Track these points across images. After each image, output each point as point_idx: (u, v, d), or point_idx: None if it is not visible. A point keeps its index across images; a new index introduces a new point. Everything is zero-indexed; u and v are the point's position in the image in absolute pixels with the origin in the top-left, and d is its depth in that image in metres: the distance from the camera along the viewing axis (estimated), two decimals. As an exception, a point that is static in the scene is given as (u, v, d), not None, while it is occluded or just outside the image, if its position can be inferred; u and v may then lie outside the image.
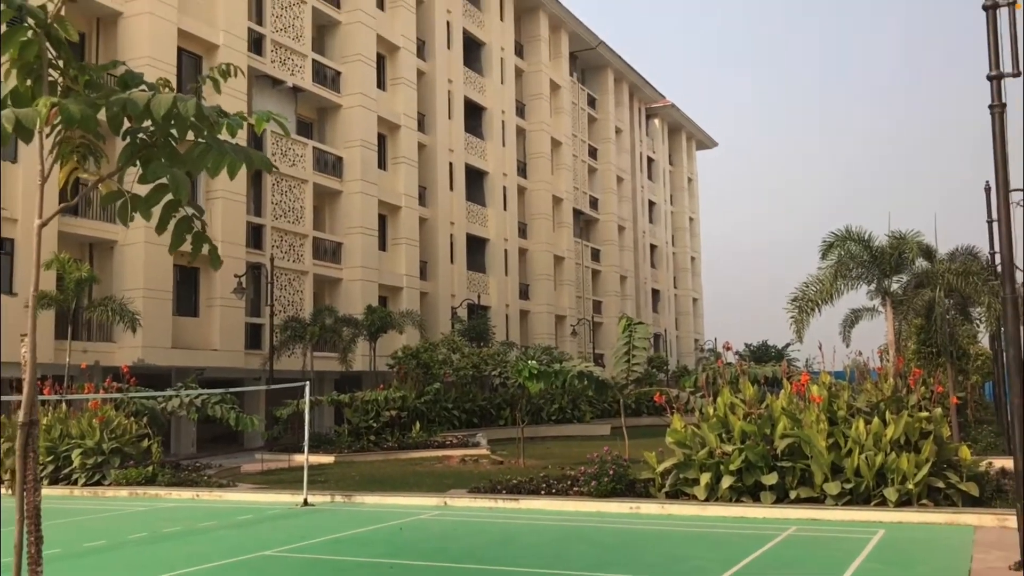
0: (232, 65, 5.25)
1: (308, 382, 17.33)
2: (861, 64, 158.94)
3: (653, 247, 64.72)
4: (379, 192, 35.66)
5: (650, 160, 65.37)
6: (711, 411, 13.77)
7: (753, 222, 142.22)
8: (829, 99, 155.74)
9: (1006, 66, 8.71)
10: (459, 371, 29.88)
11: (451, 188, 41.34)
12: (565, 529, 11.98)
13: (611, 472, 13.95)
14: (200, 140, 4.77)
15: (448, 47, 42.02)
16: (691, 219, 72.09)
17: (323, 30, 35.56)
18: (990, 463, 13.65)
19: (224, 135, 4.82)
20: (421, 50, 40.35)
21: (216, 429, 25.80)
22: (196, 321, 28.36)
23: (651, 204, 64.91)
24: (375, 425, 24.79)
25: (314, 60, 33.56)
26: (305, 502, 15.01)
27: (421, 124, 39.95)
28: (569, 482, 14.61)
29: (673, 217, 69.24)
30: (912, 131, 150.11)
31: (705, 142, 74.97)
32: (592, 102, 57.56)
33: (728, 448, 13.04)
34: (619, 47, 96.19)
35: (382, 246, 36.46)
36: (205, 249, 5.16)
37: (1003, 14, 8.64)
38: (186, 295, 28.50)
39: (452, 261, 40.88)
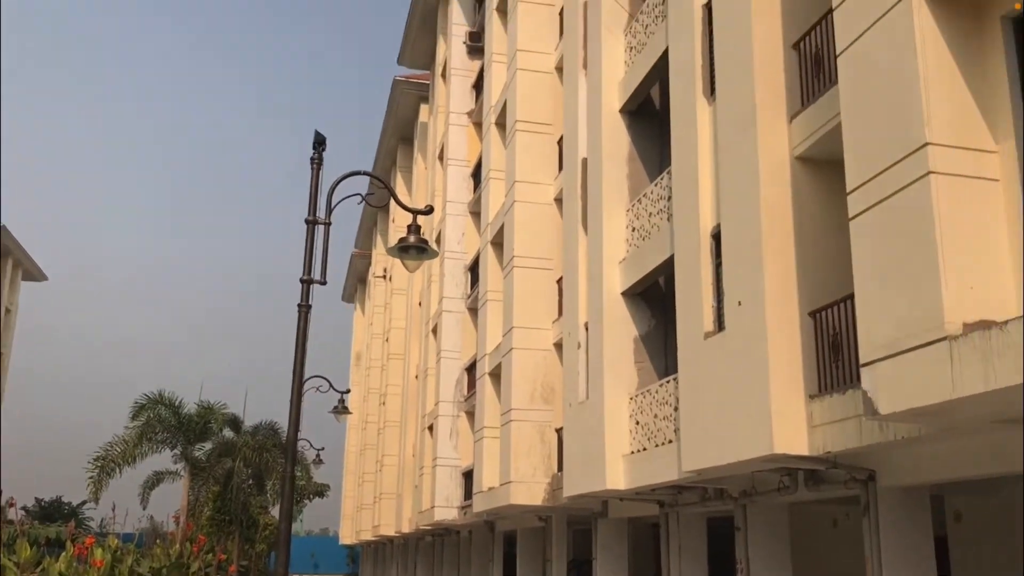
0: None
1: None
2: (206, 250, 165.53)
3: (-54, 378, 56.58)
4: None
5: (-37, 281, 58.16)
6: (-25, 575, 12.31)
7: (67, 370, 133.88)
8: (166, 270, 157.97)
9: (316, 274, 10.09)
10: None
11: None
12: None
13: None
14: None
15: None
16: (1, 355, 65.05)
17: None
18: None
19: None
20: None
21: None
22: None
23: (-46, 330, 57.23)
24: None
25: None
26: None
27: None
28: None
29: (-21, 348, 61.77)
30: (247, 316, 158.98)
31: (35, 274, 69.49)
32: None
33: (-11, 617, 11.72)
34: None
35: None
36: None
37: (320, 230, 10.09)
38: None
39: None
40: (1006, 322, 5.68)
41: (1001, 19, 6.92)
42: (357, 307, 66.23)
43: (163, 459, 19.73)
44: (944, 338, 6.20)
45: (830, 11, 8.78)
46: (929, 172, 6.59)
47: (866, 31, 7.43)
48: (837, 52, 7.91)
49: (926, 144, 6.64)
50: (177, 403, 17.84)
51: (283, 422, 22.18)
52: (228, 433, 19.59)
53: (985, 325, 5.92)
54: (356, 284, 65.39)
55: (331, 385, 18.95)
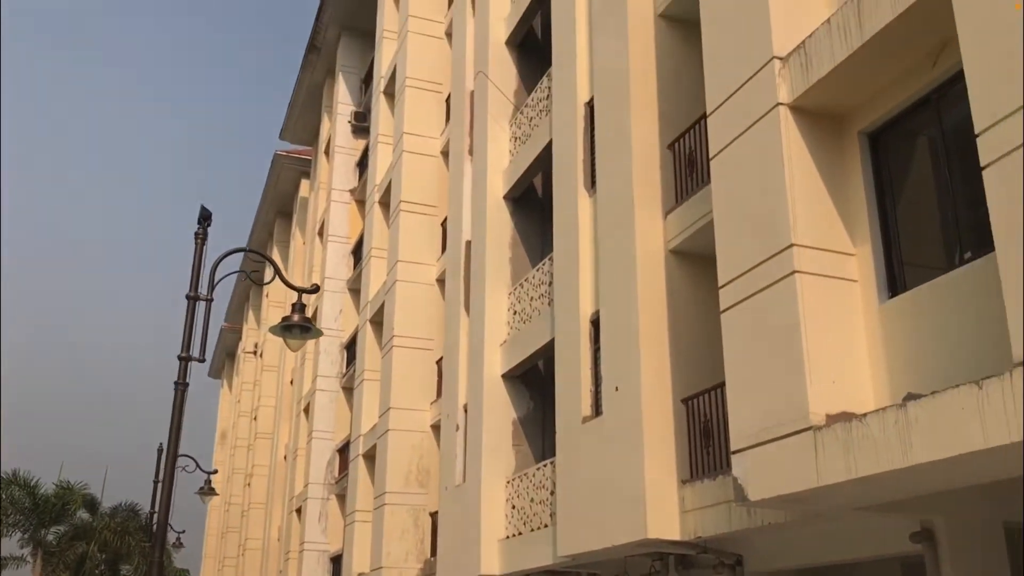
0: None
1: None
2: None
3: None
4: None
5: None
6: None
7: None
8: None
9: (195, 351, 9.85)
10: None
11: None
12: None
13: None
14: None
15: None
16: None
17: None
18: None
19: None
20: None
21: None
22: None
23: None
24: None
25: None
26: None
27: None
28: None
29: None
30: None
31: None
32: None
33: None
34: None
35: None
36: None
37: (201, 306, 9.89)
38: None
39: None
40: (865, 415, 6.09)
41: (858, 134, 7.58)
42: (224, 383, 64.04)
43: (10, 544, 18.39)
44: (809, 428, 6.58)
45: (703, 116, 9.39)
46: (794, 271, 7.07)
47: (738, 138, 7.98)
48: (710, 155, 8.45)
49: (792, 245, 7.14)
50: (33, 483, 16.75)
51: (144, 503, 21.11)
52: (84, 515, 18.48)
53: (847, 417, 6.33)
54: (224, 359, 63.34)
55: (198, 465, 18.25)
